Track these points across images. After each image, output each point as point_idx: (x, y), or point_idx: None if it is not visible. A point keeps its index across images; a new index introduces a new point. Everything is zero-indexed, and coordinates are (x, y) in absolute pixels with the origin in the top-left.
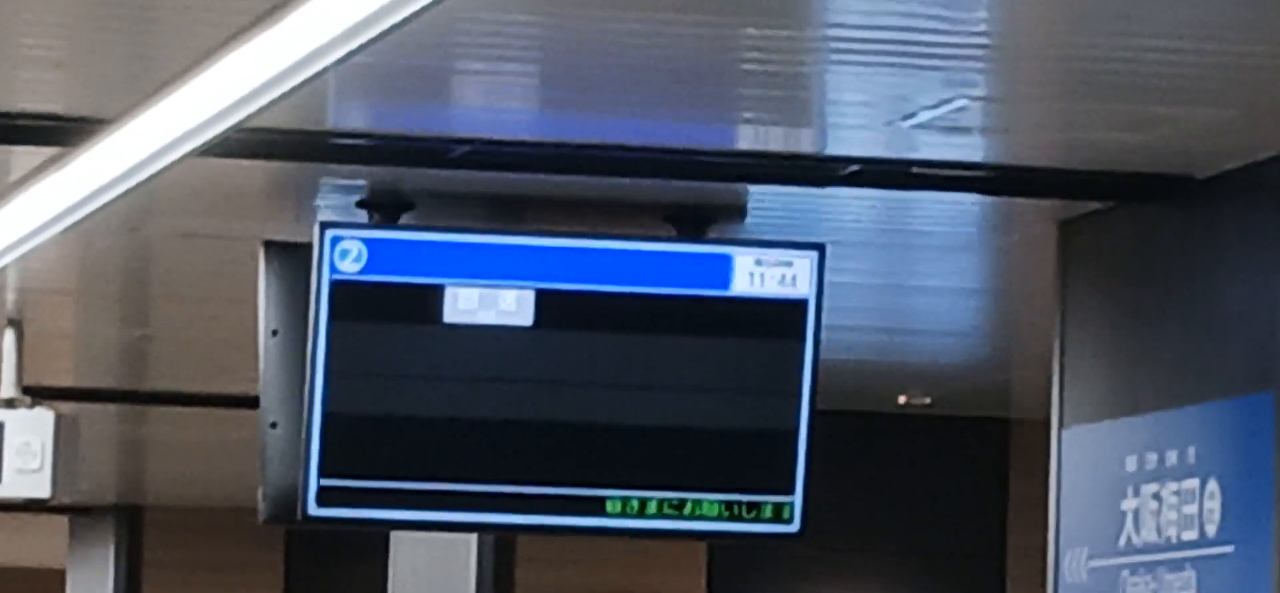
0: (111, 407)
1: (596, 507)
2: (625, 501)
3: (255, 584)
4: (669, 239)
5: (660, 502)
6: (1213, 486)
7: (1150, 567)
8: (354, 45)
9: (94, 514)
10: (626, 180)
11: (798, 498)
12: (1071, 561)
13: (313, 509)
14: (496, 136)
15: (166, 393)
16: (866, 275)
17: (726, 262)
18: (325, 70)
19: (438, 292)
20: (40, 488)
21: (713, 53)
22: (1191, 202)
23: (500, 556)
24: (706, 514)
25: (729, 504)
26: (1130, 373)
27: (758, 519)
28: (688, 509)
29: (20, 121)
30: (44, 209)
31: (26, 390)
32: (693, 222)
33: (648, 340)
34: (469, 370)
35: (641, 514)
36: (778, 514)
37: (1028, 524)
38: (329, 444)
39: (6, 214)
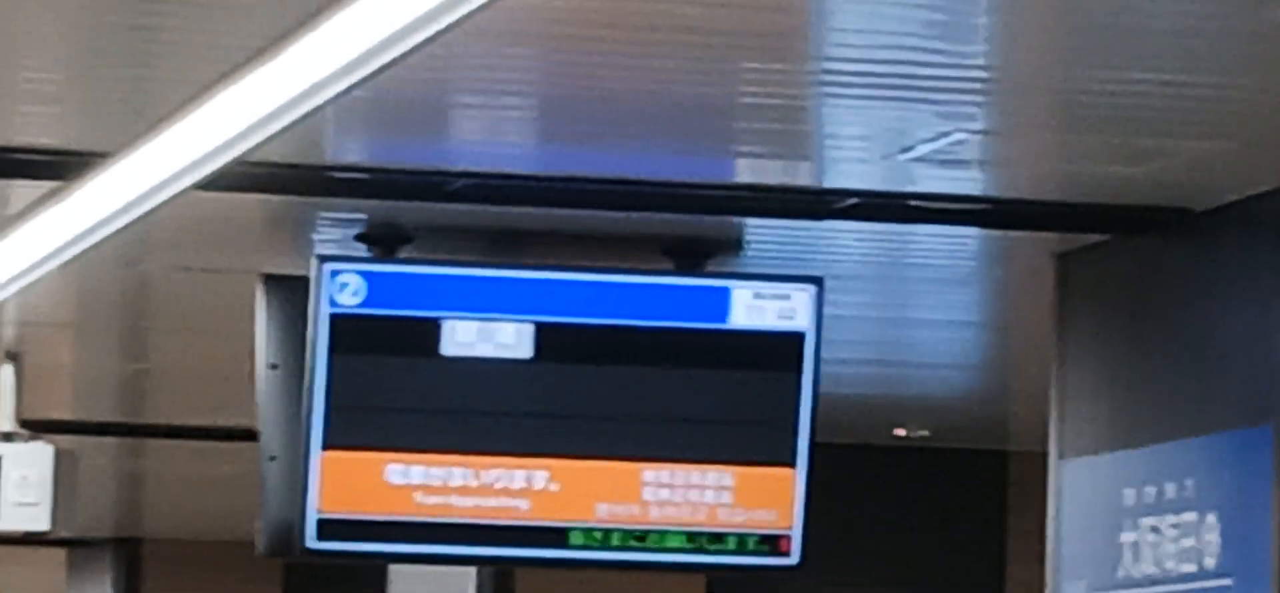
0: (110, 440)
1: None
2: (588, 532)
3: None
4: (667, 272)
5: (623, 534)
6: (1211, 518)
7: None
8: (352, 80)
9: (92, 548)
10: (624, 214)
11: (797, 531)
12: None
13: (311, 542)
14: (495, 170)
15: (165, 426)
16: (865, 308)
17: (725, 295)
18: (324, 104)
19: (436, 325)
20: (39, 521)
21: (711, 86)
22: (1189, 234)
23: (499, 582)
24: (669, 547)
25: (691, 535)
26: (1128, 405)
27: (750, 552)
28: (650, 541)
29: (18, 155)
30: (42, 243)
31: (25, 424)
32: (691, 255)
33: (646, 373)
34: (468, 403)
35: (605, 547)
36: (777, 547)
37: (1026, 557)
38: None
39: (5, 248)
